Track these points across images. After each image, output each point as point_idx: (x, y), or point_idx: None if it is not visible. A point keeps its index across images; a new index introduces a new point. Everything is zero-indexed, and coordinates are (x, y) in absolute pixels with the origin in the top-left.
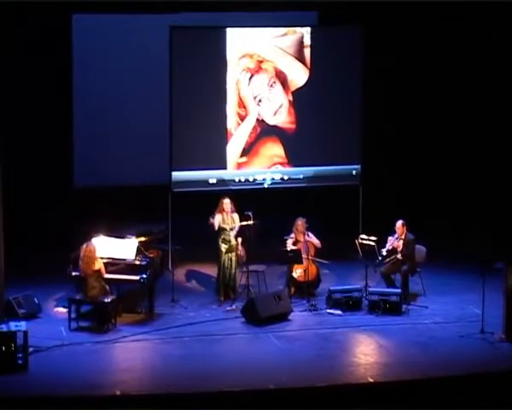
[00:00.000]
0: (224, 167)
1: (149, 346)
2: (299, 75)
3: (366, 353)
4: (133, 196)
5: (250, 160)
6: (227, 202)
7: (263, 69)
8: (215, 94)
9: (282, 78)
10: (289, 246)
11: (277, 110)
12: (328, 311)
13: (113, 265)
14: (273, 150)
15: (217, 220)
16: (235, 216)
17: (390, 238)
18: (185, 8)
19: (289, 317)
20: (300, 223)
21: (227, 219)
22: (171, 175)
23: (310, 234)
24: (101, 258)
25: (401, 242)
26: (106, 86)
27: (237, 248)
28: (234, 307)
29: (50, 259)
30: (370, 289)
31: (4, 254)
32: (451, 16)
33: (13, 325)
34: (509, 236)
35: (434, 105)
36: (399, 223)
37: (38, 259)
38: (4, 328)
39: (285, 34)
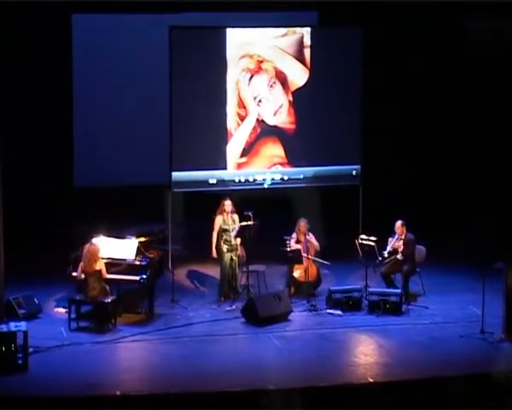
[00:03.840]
0: (224, 168)
1: (149, 346)
2: (299, 75)
3: (366, 353)
4: (133, 196)
5: (250, 160)
6: (228, 204)
7: (263, 69)
8: (215, 94)
9: (282, 78)
10: (293, 245)
11: (277, 110)
12: (328, 311)
13: (113, 265)
14: (273, 150)
15: (217, 222)
16: (236, 217)
17: (390, 239)
18: (185, 8)
19: (289, 317)
20: (303, 224)
21: (227, 220)
22: (171, 175)
23: (310, 234)
24: (102, 258)
25: (401, 242)
26: (106, 86)
27: (237, 249)
28: (234, 307)
29: (50, 259)
30: (370, 290)
31: (4, 254)
32: (451, 16)
33: (13, 325)
34: (509, 236)
35: (434, 105)
36: (399, 223)
37: (38, 259)
38: (4, 328)
39: (285, 34)
